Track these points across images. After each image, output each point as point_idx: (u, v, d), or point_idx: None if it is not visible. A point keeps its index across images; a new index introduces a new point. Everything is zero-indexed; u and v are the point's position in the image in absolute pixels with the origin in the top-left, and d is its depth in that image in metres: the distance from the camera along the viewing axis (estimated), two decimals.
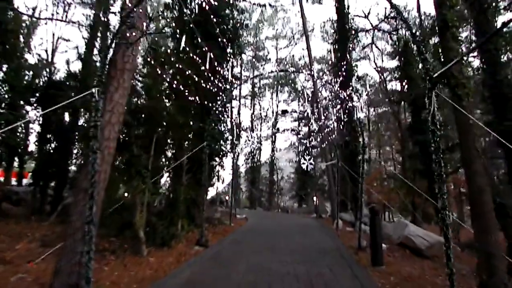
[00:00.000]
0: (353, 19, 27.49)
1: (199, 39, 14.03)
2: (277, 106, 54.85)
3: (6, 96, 17.59)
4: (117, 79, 7.89)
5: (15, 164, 26.03)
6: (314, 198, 28.22)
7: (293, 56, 51.89)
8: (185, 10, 17.62)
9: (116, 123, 7.81)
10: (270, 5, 33.36)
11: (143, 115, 12.65)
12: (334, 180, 24.51)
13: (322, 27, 40.80)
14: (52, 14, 28.20)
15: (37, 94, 19.33)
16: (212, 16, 15.47)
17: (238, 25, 19.09)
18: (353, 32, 27.10)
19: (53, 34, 32.52)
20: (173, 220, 13.87)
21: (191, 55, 12.26)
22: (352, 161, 24.16)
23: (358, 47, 32.37)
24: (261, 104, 54.93)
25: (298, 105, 52.80)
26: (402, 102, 28.77)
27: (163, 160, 15.38)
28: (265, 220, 25.79)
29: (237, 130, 22.43)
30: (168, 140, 14.87)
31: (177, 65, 12.71)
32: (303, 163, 29.10)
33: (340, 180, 28.95)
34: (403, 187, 32.59)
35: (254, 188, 50.72)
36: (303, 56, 49.15)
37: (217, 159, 19.69)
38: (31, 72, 20.74)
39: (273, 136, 49.88)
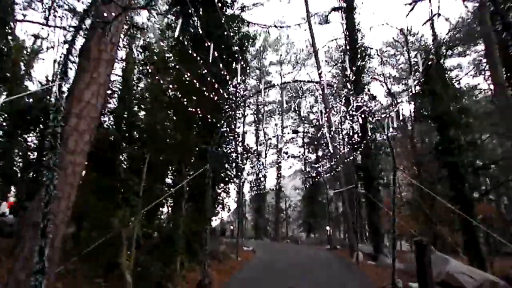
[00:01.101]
0: (362, 38, 25.78)
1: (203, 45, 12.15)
2: (282, 132, 52.88)
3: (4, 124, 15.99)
4: (90, 72, 5.80)
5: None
6: (327, 228, 25.66)
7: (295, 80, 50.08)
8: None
9: (86, 132, 5.65)
10: (276, 26, 32.04)
11: (133, 130, 10.51)
12: (352, 207, 22.08)
13: (327, 52, 39.20)
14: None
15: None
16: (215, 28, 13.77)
17: (244, 39, 17.29)
18: (364, 51, 25.32)
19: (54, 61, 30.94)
20: (170, 257, 11.50)
21: (193, 56, 10.33)
22: (368, 186, 21.75)
23: (367, 70, 30.48)
24: (266, 131, 52.96)
25: (303, 131, 51.01)
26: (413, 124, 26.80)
27: (161, 186, 13.10)
28: (275, 253, 23.15)
29: (244, 152, 20.22)
30: (166, 163, 12.61)
31: (174, 68, 10.68)
32: (314, 189, 26.73)
33: (351, 207, 26.70)
34: (420, 215, 30.12)
35: (260, 217, 47.93)
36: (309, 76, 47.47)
37: (221, 185, 17.47)
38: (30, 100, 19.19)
39: (279, 160, 47.62)
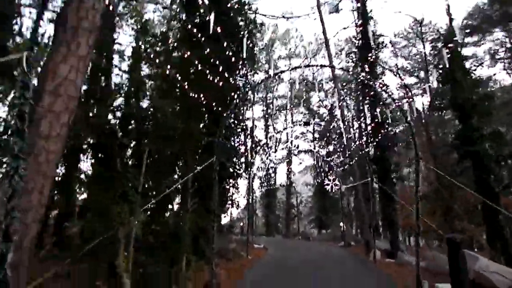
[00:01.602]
0: (375, 26, 24.53)
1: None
2: (292, 128, 51.78)
3: None
4: (67, 43, 4.88)
5: None
6: (341, 224, 24.64)
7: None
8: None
9: (62, 113, 4.73)
10: (284, 17, 30.97)
11: (132, 118, 9.60)
12: (367, 201, 20.97)
13: (337, 44, 37.89)
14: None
15: None
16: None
17: (251, 25, 16.27)
18: (377, 39, 24.10)
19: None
20: (176, 256, 10.66)
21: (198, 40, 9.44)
22: (383, 179, 20.56)
23: (380, 60, 29.13)
24: (275, 127, 51.82)
25: (313, 125, 49.82)
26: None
27: (166, 181, 12.17)
28: (287, 250, 22.19)
29: (253, 145, 19.24)
30: (169, 155, 11.68)
31: (179, 51, 9.74)
32: (327, 184, 25.66)
33: (366, 201, 25.54)
34: (437, 209, 28.80)
35: (271, 213, 46.95)
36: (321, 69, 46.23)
37: (230, 180, 16.53)
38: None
39: (289, 154, 46.52)
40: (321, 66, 13.44)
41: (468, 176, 19.01)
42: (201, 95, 10.57)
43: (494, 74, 33.94)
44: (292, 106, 49.85)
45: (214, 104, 11.96)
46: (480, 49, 33.36)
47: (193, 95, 9.99)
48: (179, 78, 10.15)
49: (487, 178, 15.84)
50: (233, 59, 13.92)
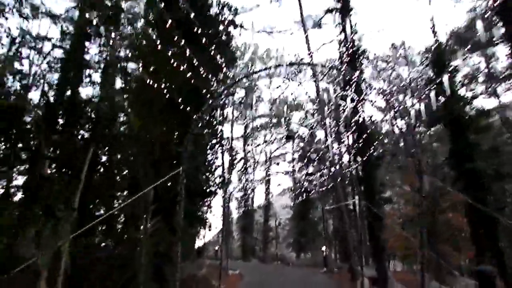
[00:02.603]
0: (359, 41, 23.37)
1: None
2: (270, 149, 50.14)
3: None
4: None
5: None
6: (323, 248, 22.53)
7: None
8: None
9: None
10: (266, 31, 29.56)
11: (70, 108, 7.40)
12: (353, 224, 19.04)
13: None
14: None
15: None
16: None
17: (230, 27, 14.51)
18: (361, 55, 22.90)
19: None
20: None
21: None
22: (370, 200, 18.73)
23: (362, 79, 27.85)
24: (253, 147, 49.96)
25: (292, 146, 48.29)
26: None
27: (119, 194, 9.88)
28: (266, 278, 19.80)
29: (230, 160, 17.10)
30: (122, 161, 9.43)
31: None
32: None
33: (351, 224, 23.59)
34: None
35: (248, 236, 44.32)
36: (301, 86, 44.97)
37: (202, 198, 14.29)
38: None
39: (267, 172, 44.61)
40: (304, 64, 11.75)
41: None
42: (167, 89, 8.52)
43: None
44: (271, 125, 48.30)
45: (184, 104, 9.97)
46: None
47: (157, 86, 7.97)
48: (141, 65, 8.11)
49: (484, 198, 14.23)
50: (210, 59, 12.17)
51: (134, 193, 9.55)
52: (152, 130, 9.85)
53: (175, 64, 9.88)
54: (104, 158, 9.36)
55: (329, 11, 24.66)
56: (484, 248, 16.27)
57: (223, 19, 14.41)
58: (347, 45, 23.13)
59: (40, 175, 6.37)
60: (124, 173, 9.72)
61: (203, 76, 10.99)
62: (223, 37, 14.07)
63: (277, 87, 50.91)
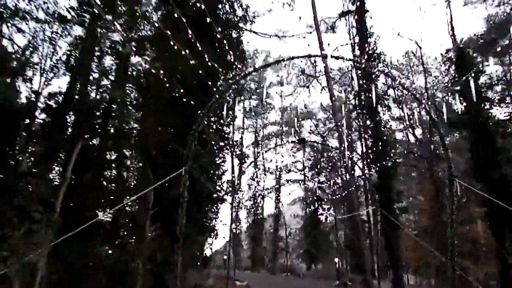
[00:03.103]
0: (375, 44, 22.44)
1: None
2: (282, 156, 49.14)
3: None
4: None
5: None
6: (336, 259, 21.31)
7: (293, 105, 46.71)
8: None
9: None
10: (278, 36, 28.73)
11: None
12: (369, 234, 17.87)
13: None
14: None
15: None
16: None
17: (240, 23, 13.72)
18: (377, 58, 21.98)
19: None
20: None
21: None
22: (387, 210, 17.58)
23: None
24: (264, 155, 49.03)
25: (304, 154, 47.24)
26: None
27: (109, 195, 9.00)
28: None
29: (240, 163, 16.17)
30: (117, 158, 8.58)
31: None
32: (321, 214, 22.51)
33: (367, 234, 22.37)
34: (439, 244, 25.75)
35: (257, 246, 43.04)
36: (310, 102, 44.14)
37: (210, 204, 13.36)
38: None
39: (279, 180, 43.54)
40: (314, 56, 10.67)
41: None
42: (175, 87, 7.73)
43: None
44: (282, 133, 47.39)
45: (191, 101, 9.16)
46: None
47: (166, 84, 7.19)
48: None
49: None
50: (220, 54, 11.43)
51: (133, 195, 8.70)
52: (154, 127, 9.00)
53: (184, 59, 9.21)
54: (101, 156, 8.56)
55: (344, 13, 23.81)
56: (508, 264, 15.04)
57: (234, 15, 13.65)
58: (362, 48, 22.29)
59: (15, 170, 5.56)
60: (123, 173, 8.90)
61: (212, 72, 10.29)
62: (234, 34, 13.28)
63: (289, 95, 50.81)
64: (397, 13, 60.29)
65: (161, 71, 9.73)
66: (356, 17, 22.21)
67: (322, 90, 27.85)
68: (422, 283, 31.34)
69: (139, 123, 8.54)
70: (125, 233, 9.44)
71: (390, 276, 23.02)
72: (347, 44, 24.22)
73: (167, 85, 9.23)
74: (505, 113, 15.32)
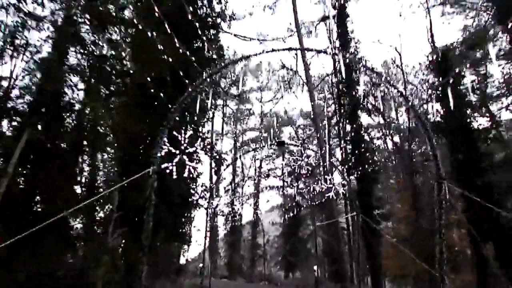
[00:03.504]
0: (356, 48, 22.23)
1: None
2: (260, 165, 48.72)
3: None
4: None
5: None
6: (315, 267, 20.71)
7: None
8: None
9: None
10: (259, 39, 28.24)
11: None
12: (348, 242, 17.34)
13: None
14: None
15: None
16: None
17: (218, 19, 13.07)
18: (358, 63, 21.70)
19: None
20: None
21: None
22: (367, 216, 17.14)
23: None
24: (243, 162, 48.38)
25: (283, 161, 46.93)
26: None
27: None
28: None
29: (215, 162, 15.35)
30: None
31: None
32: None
33: (341, 241, 21.81)
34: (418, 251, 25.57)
35: (235, 253, 42.04)
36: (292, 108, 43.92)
37: (182, 210, 12.48)
38: None
39: (257, 186, 42.95)
40: (291, 49, 10.22)
41: None
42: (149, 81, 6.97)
43: None
44: (261, 139, 46.85)
45: (164, 96, 8.41)
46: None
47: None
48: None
49: (497, 217, 12.72)
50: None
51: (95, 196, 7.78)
52: (124, 123, 8.16)
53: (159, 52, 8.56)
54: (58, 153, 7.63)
55: (325, 17, 23.57)
56: (487, 272, 14.89)
57: (212, 11, 12.99)
58: (342, 53, 22.03)
59: None
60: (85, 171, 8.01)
61: (188, 69, 9.63)
62: (212, 30, 12.61)
63: (269, 101, 50.42)
64: (377, 20, 61.21)
65: (133, 65, 9.04)
66: (336, 20, 21.98)
67: (302, 89, 27.37)
68: None
69: (108, 119, 7.68)
70: (85, 239, 8.48)
71: (368, 283, 22.59)
72: (327, 48, 23.88)
73: (137, 78, 8.47)
74: (487, 117, 15.14)
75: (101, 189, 8.17)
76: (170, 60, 8.87)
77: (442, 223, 7.46)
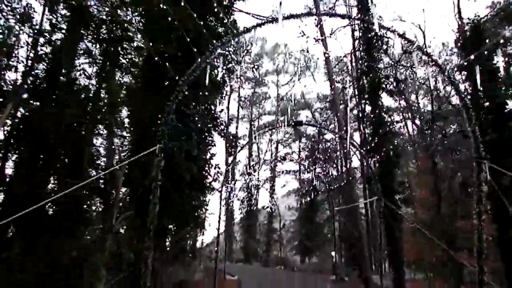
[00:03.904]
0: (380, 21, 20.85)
1: None
2: (276, 148, 47.97)
3: None
4: None
5: None
6: (332, 253, 20.01)
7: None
8: None
9: None
10: (275, 19, 27.05)
11: None
12: (367, 227, 16.58)
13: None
14: None
15: None
16: None
17: None
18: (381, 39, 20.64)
19: None
20: None
21: None
22: (388, 200, 16.25)
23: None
24: (259, 146, 47.65)
25: (299, 145, 46.13)
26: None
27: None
28: (267, 285, 17.32)
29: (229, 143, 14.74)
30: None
31: None
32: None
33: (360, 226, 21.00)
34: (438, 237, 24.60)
35: (251, 238, 41.77)
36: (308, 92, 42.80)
37: (194, 191, 11.91)
38: None
39: (274, 169, 42.39)
40: (310, 14, 9.37)
41: None
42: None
43: None
44: (278, 123, 45.94)
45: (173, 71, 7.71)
46: None
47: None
48: None
49: None
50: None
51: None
52: (132, 100, 7.51)
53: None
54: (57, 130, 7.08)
55: None
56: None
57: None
58: (363, 29, 20.91)
59: None
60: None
61: (201, 44, 8.91)
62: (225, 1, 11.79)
63: (285, 84, 49.19)
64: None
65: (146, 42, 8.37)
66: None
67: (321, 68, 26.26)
68: (417, 277, 30.31)
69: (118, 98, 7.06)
70: (87, 223, 7.95)
71: (386, 270, 21.79)
72: (347, 25, 22.76)
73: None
74: None
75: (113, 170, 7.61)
76: (182, 32, 8.11)
77: (481, 208, 6.62)
